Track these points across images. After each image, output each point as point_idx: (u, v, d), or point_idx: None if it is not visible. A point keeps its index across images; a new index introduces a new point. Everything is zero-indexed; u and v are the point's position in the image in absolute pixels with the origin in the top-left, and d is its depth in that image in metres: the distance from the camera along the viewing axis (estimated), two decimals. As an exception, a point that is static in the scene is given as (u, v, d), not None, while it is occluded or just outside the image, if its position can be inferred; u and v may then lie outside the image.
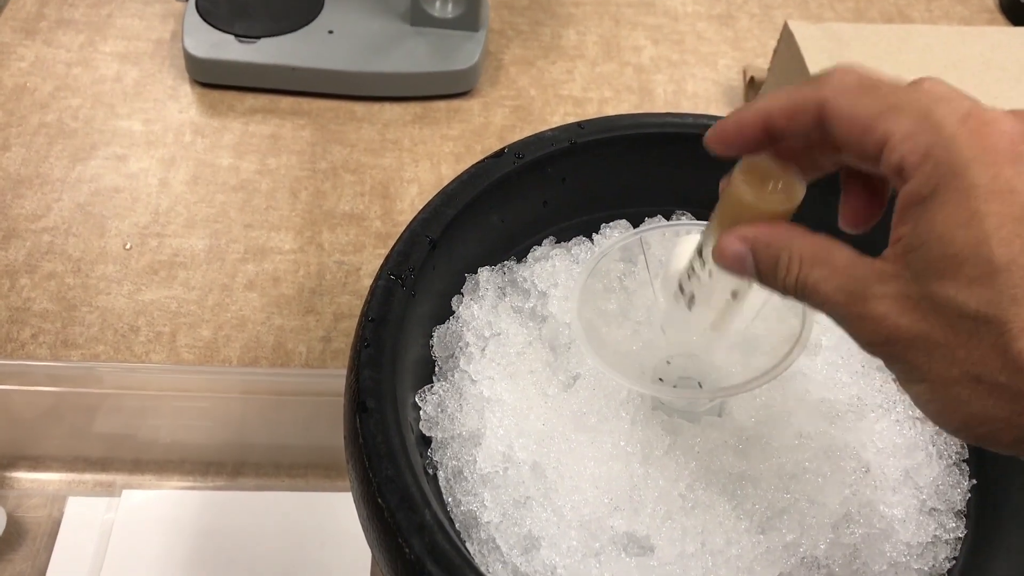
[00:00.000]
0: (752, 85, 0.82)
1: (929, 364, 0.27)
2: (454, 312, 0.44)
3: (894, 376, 0.29)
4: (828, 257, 0.29)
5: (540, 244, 0.47)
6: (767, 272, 0.31)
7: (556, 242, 0.47)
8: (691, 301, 0.38)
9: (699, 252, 0.36)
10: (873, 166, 0.29)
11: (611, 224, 0.48)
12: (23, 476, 0.56)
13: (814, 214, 0.32)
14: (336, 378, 0.55)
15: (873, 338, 0.28)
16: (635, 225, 0.48)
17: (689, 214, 0.48)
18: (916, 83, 0.29)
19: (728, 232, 0.32)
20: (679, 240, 0.39)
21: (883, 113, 0.28)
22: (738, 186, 0.32)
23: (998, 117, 0.27)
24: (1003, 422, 0.26)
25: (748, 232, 0.32)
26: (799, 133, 0.31)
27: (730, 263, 0.32)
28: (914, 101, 0.27)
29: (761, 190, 0.32)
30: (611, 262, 0.44)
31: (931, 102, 0.27)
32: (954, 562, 0.39)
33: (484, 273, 0.45)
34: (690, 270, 0.37)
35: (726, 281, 0.36)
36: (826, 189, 0.34)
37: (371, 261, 0.68)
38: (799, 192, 0.32)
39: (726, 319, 0.39)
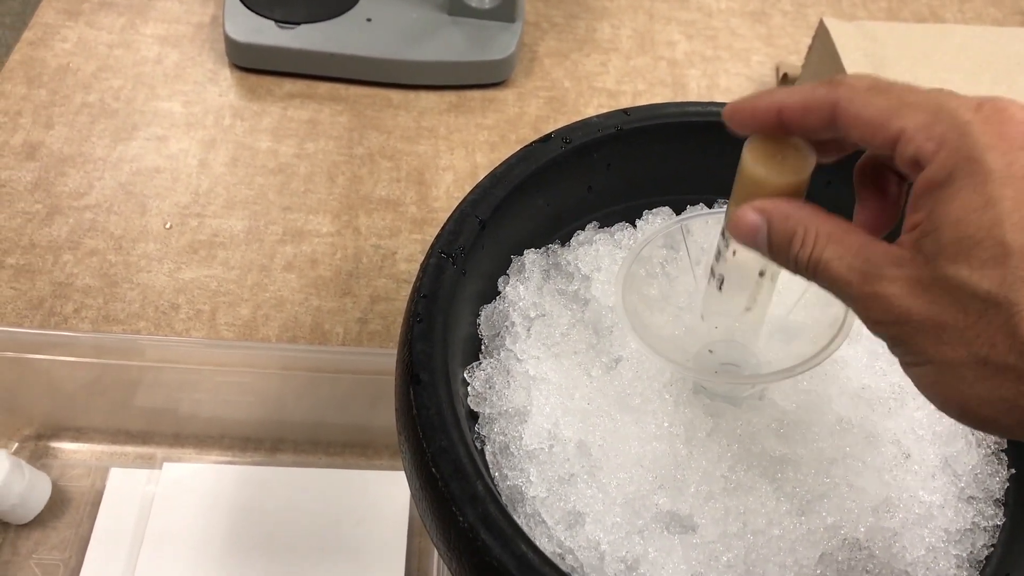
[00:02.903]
0: (785, 82, 0.83)
1: (937, 347, 0.27)
2: (500, 292, 0.45)
3: (897, 359, 0.30)
4: (843, 237, 0.30)
5: (584, 228, 0.48)
6: (780, 245, 0.31)
7: (599, 227, 0.48)
8: (721, 283, 0.38)
9: (723, 233, 0.36)
10: (886, 158, 0.30)
11: (654, 211, 0.48)
12: (67, 446, 0.57)
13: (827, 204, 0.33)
14: (376, 356, 0.56)
15: (883, 318, 0.28)
16: (677, 212, 0.48)
17: (731, 203, 0.48)
18: (929, 89, 0.30)
19: (744, 204, 0.32)
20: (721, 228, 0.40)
21: (896, 110, 0.28)
22: (747, 162, 0.33)
23: (1010, 106, 0.28)
24: (1008, 403, 0.27)
25: (766, 204, 0.32)
26: (810, 130, 0.31)
27: (744, 234, 0.32)
28: (926, 98, 0.28)
29: (771, 164, 0.32)
30: (654, 248, 0.45)
31: (943, 97, 0.28)
32: (992, 549, 0.39)
33: (530, 255, 0.46)
34: (717, 252, 0.37)
35: (751, 260, 0.36)
36: (840, 176, 0.34)
37: (407, 246, 0.69)
38: (809, 163, 0.32)
39: (759, 301, 0.39)
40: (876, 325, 0.29)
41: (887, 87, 0.29)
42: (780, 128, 0.32)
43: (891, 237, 0.30)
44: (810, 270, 0.31)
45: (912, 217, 0.28)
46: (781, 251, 0.31)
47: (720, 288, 0.38)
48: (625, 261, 0.42)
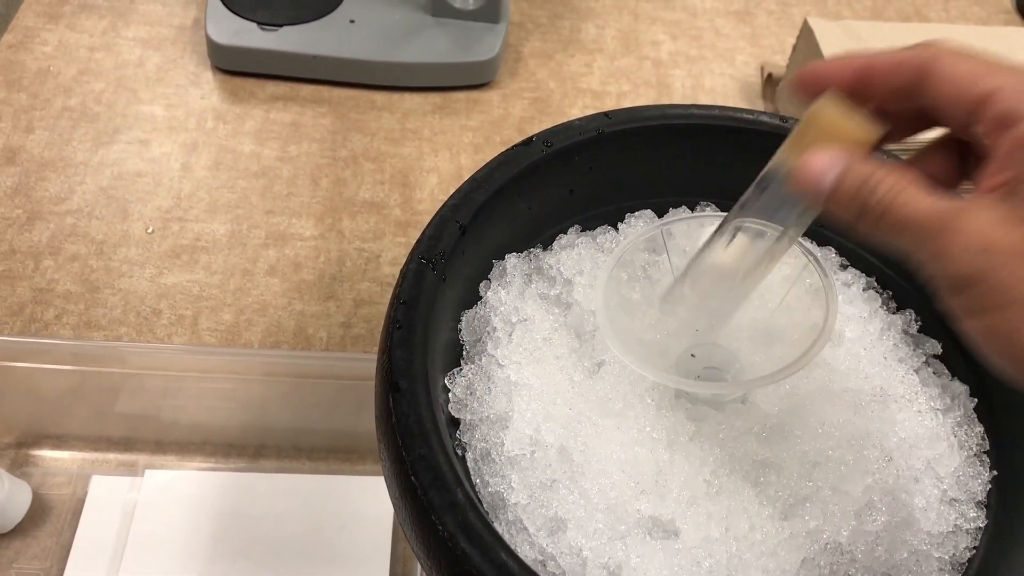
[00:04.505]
0: (770, 81, 0.83)
1: (1020, 282, 0.27)
2: (481, 297, 0.44)
3: (954, 313, 0.29)
4: (920, 183, 0.30)
5: (566, 232, 0.48)
6: (848, 190, 0.31)
7: (581, 230, 0.48)
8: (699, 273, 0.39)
9: (720, 228, 0.38)
10: (962, 124, 0.30)
11: (636, 214, 0.48)
12: (47, 454, 0.57)
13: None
14: (358, 362, 0.56)
15: (964, 250, 0.28)
16: (659, 215, 0.48)
17: (713, 205, 0.48)
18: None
19: (821, 148, 0.32)
20: (703, 231, 0.40)
21: (987, 72, 0.30)
22: (823, 109, 0.33)
23: None
24: None
25: (844, 153, 0.32)
26: (894, 89, 0.32)
27: (810, 174, 0.32)
28: (1015, 65, 0.30)
29: (845, 117, 0.33)
30: (636, 252, 0.45)
31: None
32: (974, 552, 0.39)
33: (511, 259, 0.45)
34: (708, 243, 0.38)
35: (736, 259, 0.37)
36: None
37: (391, 249, 0.68)
38: (878, 128, 0.33)
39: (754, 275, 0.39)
40: (951, 262, 0.28)
41: (975, 53, 0.30)
42: (857, 87, 0.32)
43: None
44: (877, 211, 0.30)
45: (999, 176, 0.28)
46: (846, 196, 0.31)
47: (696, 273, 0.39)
48: (606, 265, 0.42)
